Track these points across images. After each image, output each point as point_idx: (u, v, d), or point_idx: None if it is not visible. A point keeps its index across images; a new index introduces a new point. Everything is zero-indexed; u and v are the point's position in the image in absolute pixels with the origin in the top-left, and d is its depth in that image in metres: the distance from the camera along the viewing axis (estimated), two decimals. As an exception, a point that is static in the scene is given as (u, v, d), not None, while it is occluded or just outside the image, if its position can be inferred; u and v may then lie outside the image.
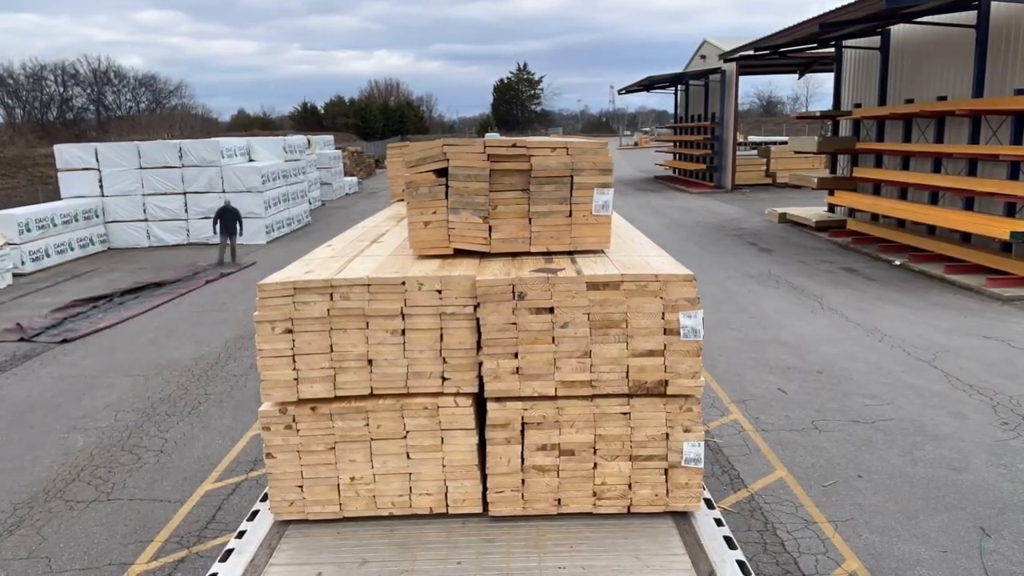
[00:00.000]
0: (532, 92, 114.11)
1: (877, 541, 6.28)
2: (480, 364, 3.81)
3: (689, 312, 3.75)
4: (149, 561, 6.35)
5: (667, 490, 3.85)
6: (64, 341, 13.10)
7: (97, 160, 23.68)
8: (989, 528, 6.39)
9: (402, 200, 6.59)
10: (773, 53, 27.04)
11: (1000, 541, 6.20)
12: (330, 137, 46.54)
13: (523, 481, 3.84)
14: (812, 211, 24.29)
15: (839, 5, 17.95)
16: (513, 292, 3.75)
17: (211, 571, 3.49)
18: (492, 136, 65.52)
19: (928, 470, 7.46)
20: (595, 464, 3.83)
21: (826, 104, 31.00)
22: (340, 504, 3.88)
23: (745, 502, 6.98)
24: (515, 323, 3.76)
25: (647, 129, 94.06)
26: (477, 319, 3.78)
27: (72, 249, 21.80)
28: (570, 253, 4.33)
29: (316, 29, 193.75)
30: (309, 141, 34.92)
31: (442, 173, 4.21)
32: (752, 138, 52.85)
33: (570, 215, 4.27)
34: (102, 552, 6.51)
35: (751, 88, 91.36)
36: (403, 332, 3.79)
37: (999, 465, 7.49)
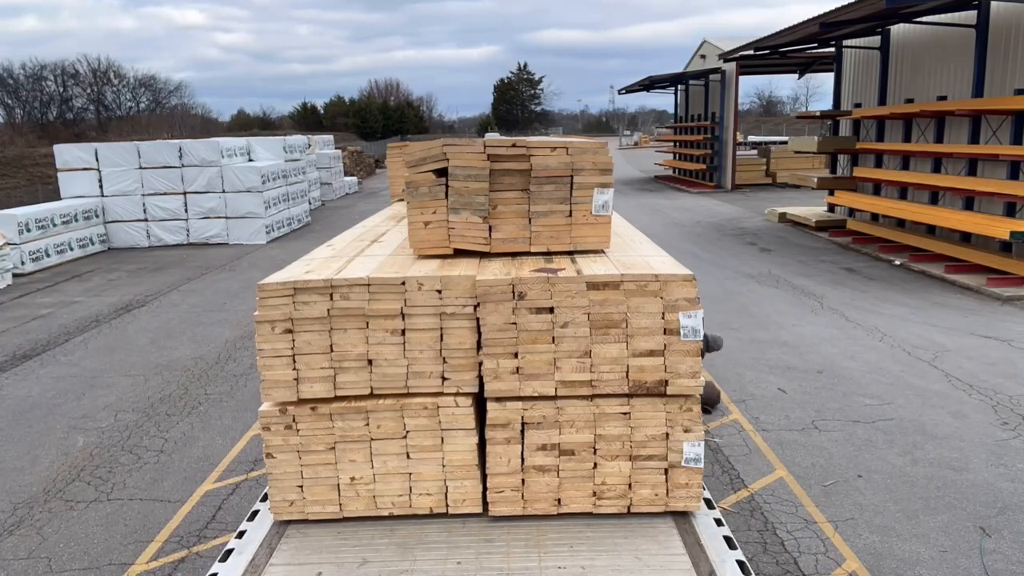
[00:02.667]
0: (532, 92, 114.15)
1: (877, 541, 6.28)
2: (480, 364, 3.81)
3: (689, 312, 3.75)
4: (149, 561, 6.35)
5: (667, 490, 3.85)
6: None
7: (97, 160, 23.68)
8: (989, 528, 6.39)
9: (402, 200, 6.60)
10: (773, 53, 27.04)
11: (1000, 541, 6.20)
12: (330, 137, 46.55)
13: (523, 481, 3.84)
14: (812, 211, 24.29)
15: (838, 5, 17.94)
16: (513, 292, 3.75)
17: (211, 571, 3.49)
18: (492, 136, 65.55)
19: (928, 470, 7.46)
20: (595, 464, 3.83)
21: (826, 104, 31.04)
22: (340, 504, 3.88)
23: (745, 502, 6.98)
24: (515, 323, 3.76)
25: (659, 128, 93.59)
26: (477, 319, 3.78)
27: (72, 249, 21.80)
28: (570, 253, 4.33)
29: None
30: (310, 141, 34.91)
31: (442, 173, 4.21)
32: (752, 138, 52.91)
33: (570, 215, 4.27)
34: (102, 552, 6.51)
35: (751, 88, 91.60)
36: (403, 332, 3.79)
37: (999, 465, 7.49)
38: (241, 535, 3.83)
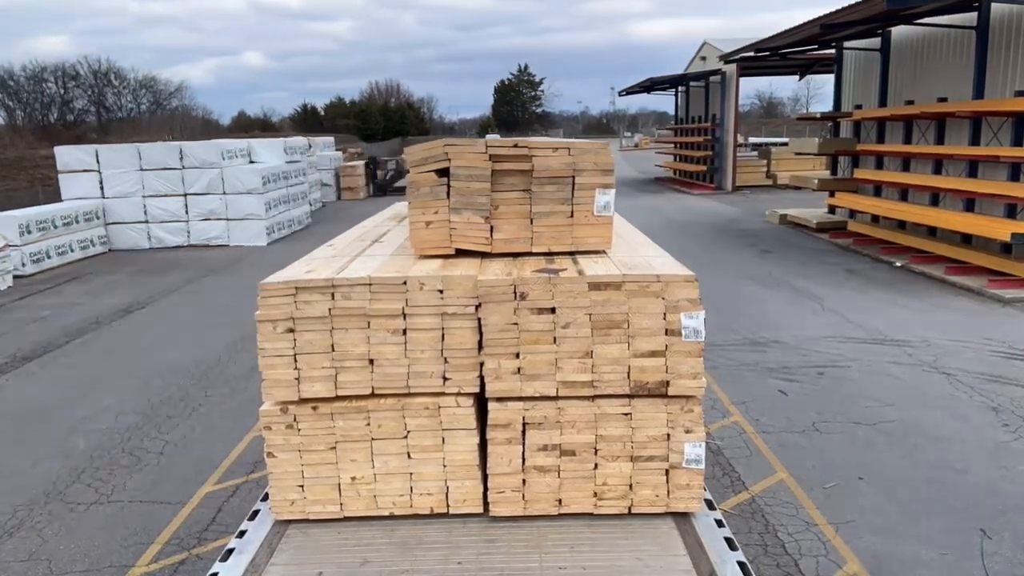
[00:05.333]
0: (533, 93, 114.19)
1: (878, 543, 6.27)
2: (481, 364, 3.80)
3: (691, 313, 3.75)
4: (149, 563, 6.34)
5: (668, 491, 3.84)
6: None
7: (98, 162, 23.70)
8: (990, 530, 6.38)
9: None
10: (773, 54, 27.05)
11: (1001, 543, 6.19)
12: (331, 138, 46.57)
13: (524, 481, 3.83)
14: (813, 212, 24.28)
15: (840, 6, 17.96)
16: (515, 292, 3.74)
17: (211, 571, 3.49)
18: (493, 137, 65.45)
19: (929, 472, 7.45)
20: (596, 464, 3.83)
21: (826, 105, 31.02)
22: (341, 504, 3.88)
23: (746, 504, 6.97)
24: (516, 323, 3.76)
25: (660, 129, 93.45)
26: (478, 319, 3.78)
27: (72, 251, 21.80)
28: (572, 253, 4.33)
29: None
30: (310, 143, 34.92)
31: (443, 173, 4.21)
32: (753, 139, 52.88)
33: (572, 215, 4.27)
34: (102, 554, 6.51)
35: (751, 89, 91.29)
36: (404, 332, 3.79)
37: (1000, 467, 7.48)
38: (242, 534, 3.82)
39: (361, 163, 39.58)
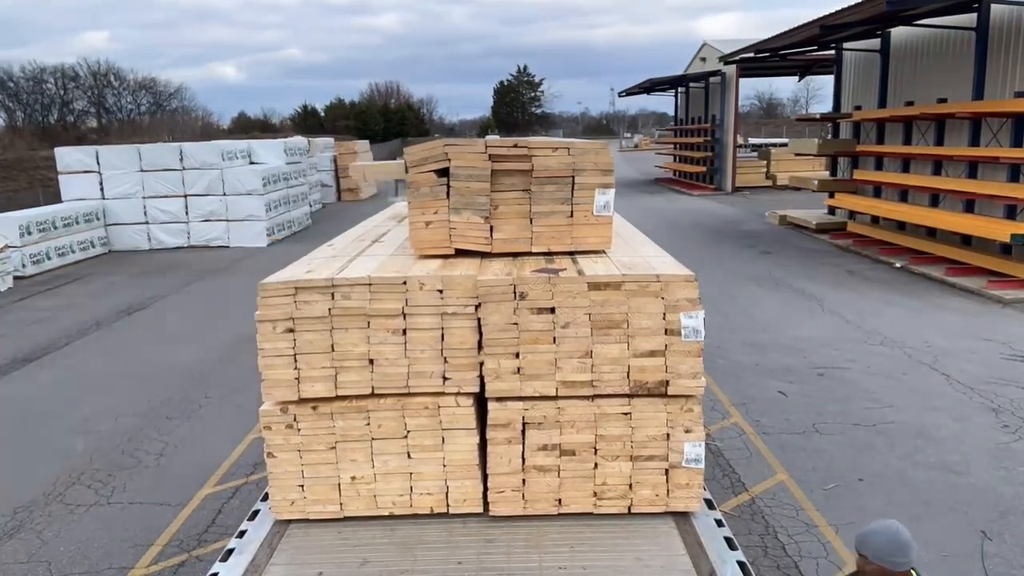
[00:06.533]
0: (533, 94, 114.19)
1: (878, 543, 6.25)
2: (481, 364, 3.80)
3: (690, 312, 3.75)
4: (149, 565, 6.34)
5: (668, 490, 3.85)
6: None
7: (98, 163, 23.69)
8: (990, 531, 6.37)
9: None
10: (773, 55, 27.05)
11: (1002, 545, 6.19)
12: (331, 140, 46.52)
13: (524, 481, 3.83)
14: (812, 213, 24.28)
15: (839, 7, 17.97)
16: (514, 292, 3.75)
17: (212, 571, 3.49)
18: (492, 138, 65.33)
19: (929, 473, 7.44)
20: (596, 464, 3.83)
21: (826, 106, 31.05)
22: (341, 504, 3.88)
23: (746, 505, 6.96)
24: (516, 323, 3.76)
25: (660, 130, 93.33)
26: (478, 319, 3.78)
27: (73, 252, 21.79)
28: (571, 253, 4.33)
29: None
30: (309, 144, 34.92)
31: (443, 173, 4.21)
32: (752, 140, 52.88)
33: (571, 215, 4.27)
34: (102, 556, 6.50)
35: (751, 90, 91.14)
36: (404, 332, 3.79)
37: (1000, 468, 7.48)
38: (242, 534, 3.82)
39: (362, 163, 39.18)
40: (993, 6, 16.13)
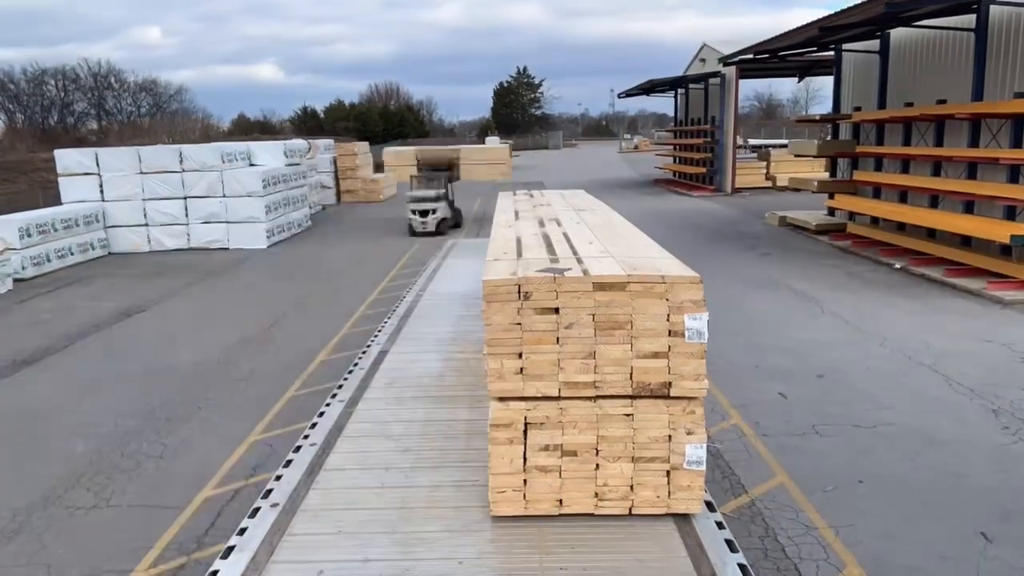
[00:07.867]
0: (532, 96, 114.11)
1: (878, 547, 6.25)
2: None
3: (694, 314, 3.75)
4: (149, 568, 6.33)
5: (669, 492, 3.84)
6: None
7: (98, 165, 23.69)
8: (990, 533, 6.36)
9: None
10: (773, 57, 27.05)
11: (1001, 547, 6.18)
12: (330, 141, 46.49)
13: (525, 481, 3.83)
14: (812, 215, 24.27)
15: (839, 8, 17.99)
16: (519, 292, 3.74)
17: (212, 568, 3.48)
18: (492, 140, 65.20)
19: (929, 475, 7.43)
20: (597, 465, 3.83)
21: (826, 107, 31.05)
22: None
23: (746, 508, 6.96)
24: (520, 323, 3.76)
25: (659, 131, 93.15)
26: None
27: (72, 254, 21.77)
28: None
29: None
30: (309, 145, 34.89)
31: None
32: (752, 141, 52.90)
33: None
34: (102, 559, 6.49)
35: (751, 91, 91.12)
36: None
37: (1000, 470, 7.47)
38: (243, 532, 3.81)
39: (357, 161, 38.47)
40: (992, 7, 16.14)
